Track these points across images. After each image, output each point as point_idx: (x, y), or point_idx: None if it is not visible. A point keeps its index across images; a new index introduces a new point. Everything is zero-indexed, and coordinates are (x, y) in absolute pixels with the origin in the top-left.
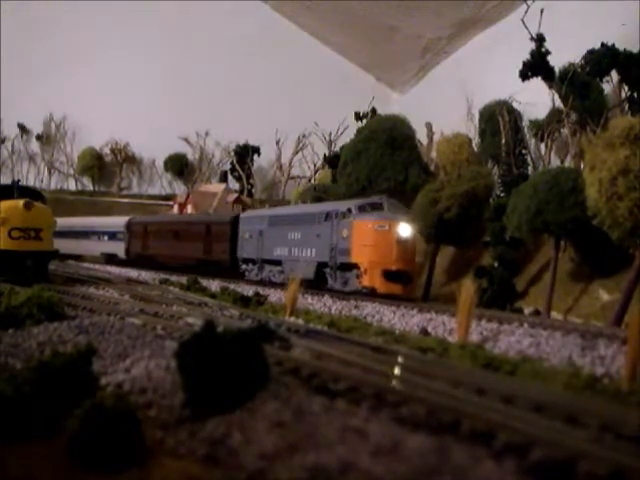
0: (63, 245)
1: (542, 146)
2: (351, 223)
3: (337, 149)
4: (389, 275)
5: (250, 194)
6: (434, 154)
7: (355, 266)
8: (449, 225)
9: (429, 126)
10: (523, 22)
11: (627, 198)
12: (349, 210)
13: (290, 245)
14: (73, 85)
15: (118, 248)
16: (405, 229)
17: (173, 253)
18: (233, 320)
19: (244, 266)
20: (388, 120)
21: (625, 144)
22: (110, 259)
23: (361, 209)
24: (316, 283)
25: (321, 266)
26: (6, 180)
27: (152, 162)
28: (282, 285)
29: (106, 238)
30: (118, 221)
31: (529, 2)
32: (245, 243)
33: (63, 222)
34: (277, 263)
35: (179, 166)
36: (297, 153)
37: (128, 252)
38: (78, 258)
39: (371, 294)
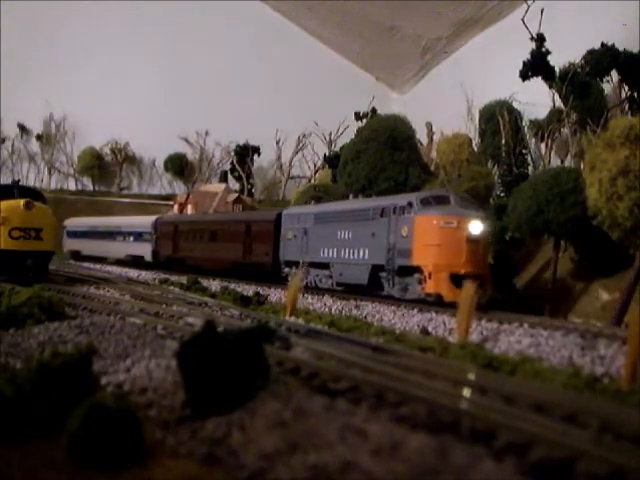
0: (86, 246)
1: (542, 146)
2: (412, 219)
3: (337, 149)
4: (458, 280)
5: (250, 194)
6: (434, 154)
7: (417, 270)
8: None
9: (429, 126)
10: (523, 22)
11: (627, 198)
12: (410, 204)
13: (339, 245)
14: (73, 85)
15: (144, 250)
16: (476, 226)
17: (208, 255)
18: (233, 320)
19: (287, 269)
20: (388, 120)
21: (625, 144)
22: (136, 262)
23: (424, 203)
24: (370, 289)
25: (376, 269)
26: (6, 180)
27: (152, 162)
28: (331, 291)
29: (131, 239)
30: (144, 220)
31: (529, 2)
32: (288, 244)
33: (85, 222)
34: (324, 266)
35: (179, 166)
36: (297, 153)
37: (156, 254)
38: (103, 261)
39: (437, 303)
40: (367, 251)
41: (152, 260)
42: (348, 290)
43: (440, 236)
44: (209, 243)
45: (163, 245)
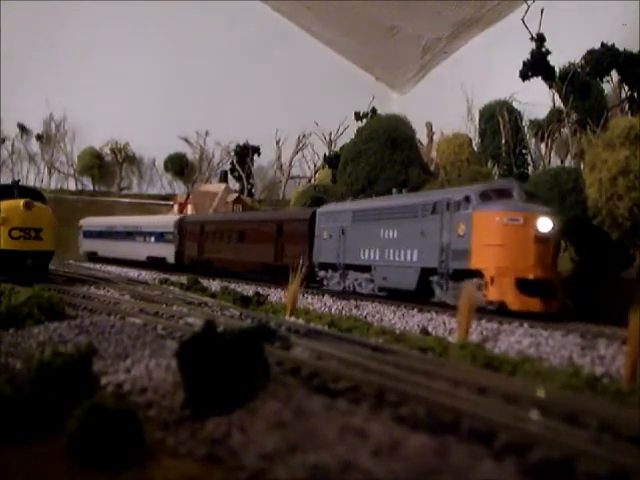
0: (103, 247)
1: (542, 146)
2: (471, 216)
3: (337, 149)
4: (525, 286)
5: (250, 194)
6: (434, 154)
7: (476, 273)
8: None
9: (429, 126)
10: (523, 22)
11: (627, 198)
12: (467, 199)
13: (383, 246)
14: (73, 85)
15: (166, 251)
16: (546, 223)
17: (236, 257)
18: (233, 320)
19: (322, 272)
20: (388, 120)
21: (625, 144)
22: (157, 264)
23: (484, 197)
24: (418, 295)
25: (426, 273)
26: (6, 180)
27: (152, 162)
28: (372, 297)
29: (152, 239)
30: (166, 219)
31: (529, 2)
32: (323, 244)
33: (102, 221)
34: (365, 269)
35: (179, 166)
36: (297, 153)
37: (180, 256)
38: (122, 263)
39: (499, 312)
40: (416, 252)
41: (175, 262)
42: (390, 296)
43: (504, 235)
44: (238, 244)
45: (188, 246)
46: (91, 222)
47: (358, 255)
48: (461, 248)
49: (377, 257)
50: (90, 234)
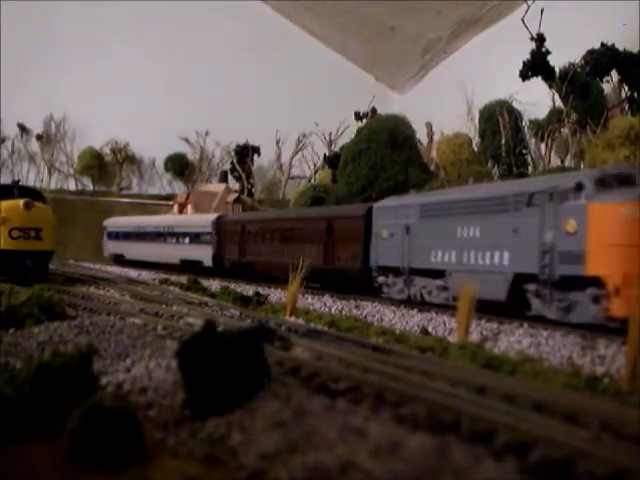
0: (130, 250)
1: (542, 146)
2: (585, 208)
3: (337, 149)
4: None
5: (250, 194)
6: (434, 154)
7: (592, 281)
8: None
9: (429, 126)
10: (523, 22)
11: None
12: (579, 187)
13: (460, 247)
14: (73, 85)
15: (203, 254)
16: None
17: (281, 260)
18: (233, 320)
19: (381, 278)
20: (388, 120)
21: (625, 144)
22: (192, 268)
23: (601, 184)
24: (510, 307)
25: (520, 280)
26: (6, 180)
27: (152, 162)
28: (446, 307)
29: (187, 241)
30: (203, 219)
31: (529, 2)
32: (383, 245)
33: (129, 221)
34: (436, 274)
35: (179, 166)
36: (297, 153)
37: (218, 258)
38: (152, 267)
39: (620, 330)
40: (506, 254)
41: (213, 266)
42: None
43: (634, 233)
44: (283, 245)
45: (228, 248)
46: (117, 222)
47: (428, 258)
48: (572, 250)
49: (453, 260)
50: (116, 235)
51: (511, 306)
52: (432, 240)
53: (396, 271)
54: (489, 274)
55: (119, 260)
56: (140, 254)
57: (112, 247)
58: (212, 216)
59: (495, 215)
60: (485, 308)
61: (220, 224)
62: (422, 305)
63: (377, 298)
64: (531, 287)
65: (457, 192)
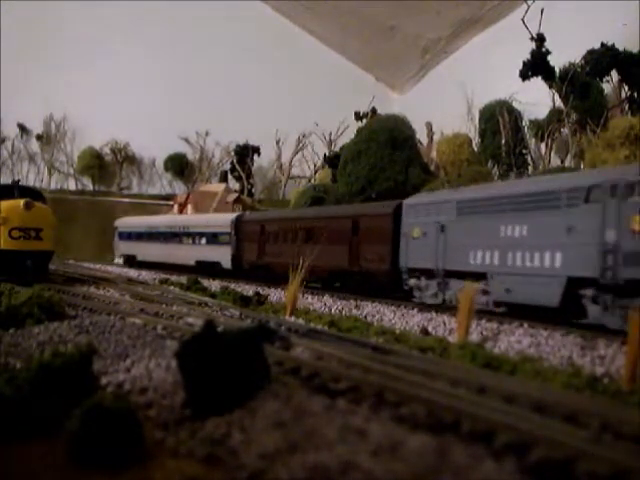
0: (143, 251)
1: (542, 146)
2: None
3: (337, 149)
4: None
5: (250, 194)
6: (434, 154)
7: None
8: None
9: (429, 126)
10: (523, 22)
11: None
12: None
13: (504, 247)
14: (73, 85)
15: (221, 255)
16: None
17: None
18: (233, 320)
19: (412, 281)
20: (388, 120)
21: (625, 144)
22: (209, 269)
23: None
24: (562, 313)
25: (575, 285)
26: (6, 180)
27: (152, 162)
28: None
29: (204, 241)
30: (221, 218)
31: (529, 2)
32: (414, 245)
33: (142, 221)
34: (476, 277)
35: (179, 166)
36: (297, 153)
37: (237, 260)
38: (166, 268)
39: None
40: (559, 256)
41: (232, 268)
42: (509, 312)
43: None
44: (304, 246)
45: (246, 249)
46: (128, 222)
47: (466, 259)
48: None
49: (495, 261)
50: (128, 236)
51: (564, 313)
52: (471, 239)
53: (429, 273)
54: (538, 277)
55: (131, 262)
56: (153, 255)
57: (124, 248)
58: (231, 215)
59: (545, 212)
60: (532, 314)
61: (239, 224)
62: (421, 305)
63: (377, 298)
64: (588, 292)
65: (499, 187)
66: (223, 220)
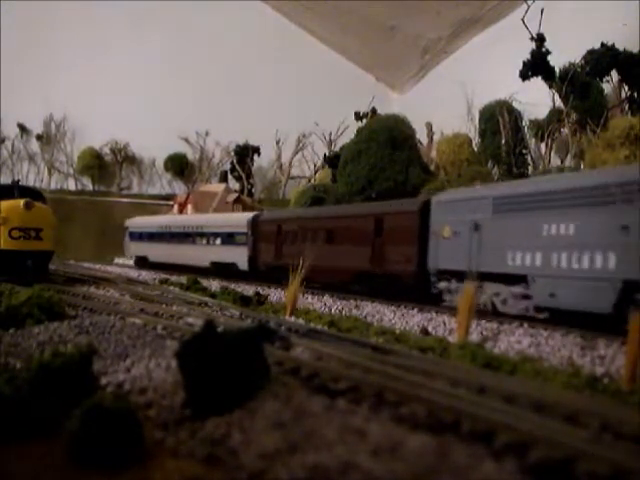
0: (154, 251)
1: (542, 146)
2: None
3: (337, 149)
4: None
5: (250, 194)
6: (434, 154)
7: None
8: None
9: (429, 126)
10: (523, 22)
11: None
12: None
13: (548, 247)
14: (73, 85)
15: (238, 256)
16: None
17: (321, 263)
18: (233, 320)
19: (442, 284)
20: (388, 120)
21: (625, 144)
22: (224, 271)
23: None
24: (615, 320)
25: (631, 289)
26: (6, 180)
27: (152, 162)
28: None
29: (219, 242)
30: (237, 218)
31: (529, 2)
32: (445, 245)
33: (153, 221)
34: (514, 280)
35: (179, 166)
36: (297, 153)
37: (254, 261)
38: (180, 270)
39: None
40: (612, 257)
41: (248, 269)
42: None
43: None
44: (324, 246)
45: (263, 250)
46: (139, 222)
47: (503, 260)
48: None
49: (538, 263)
50: (139, 236)
51: (617, 319)
52: (509, 239)
53: (461, 275)
54: (588, 281)
55: (142, 263)
56: (166, 256)
57: (134, 249)
58: (248, 214)
59: (596, 209)
60: (581, 322)
61: (256, 223)
62: (422, 305)
63: (377, 298)
64: None
65: (541, 182)
66: (239, 219)
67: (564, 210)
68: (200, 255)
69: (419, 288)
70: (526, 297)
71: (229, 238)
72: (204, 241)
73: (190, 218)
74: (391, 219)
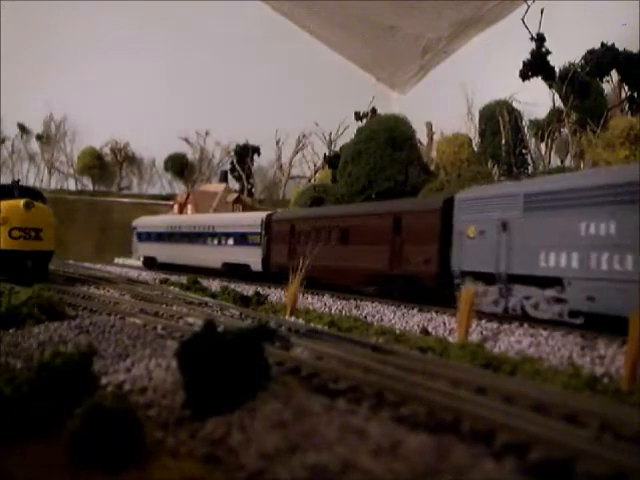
0: (163, 252)
1: (542, 146)
2: None
3: (337, 149)
4: None
5: (250, 194)
6: (434, 154)
7: None
8: None
9: (429, 126)
10: (523, 22)
11: None
12: None
13: (586, 248)
14: (73, 85)
15: (251, 257)
16: None
17: (337, 264)
18: (233, 320)
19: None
20: (388, 120)
21: (625, 144)
22: (237, 272)
23: None
24: None
25: None
26: (6, 180)
27: (152, 162)
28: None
29: (231, 242)
30: (250, 217)
31: (529, 2)
32: (470, 245)
33: (162, 221)
34: (547, 282)
35: (179, 166)
36: (297, 153)
37: (267, 262)
38: (192, 272)
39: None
40: None
41: (262, 270)
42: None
43: None
44: (339, 247)
45: (275, 250)
46: (148, 222)
47: (535, 261)
48: None
49: (575, 265)
50: (147, 236)
51: None
52: (542, 239)
53: (488, 278)
54: (632, 284)
55: (151, 264)
56: (175, 257)
57: (142, 250)
58: (262, 214)
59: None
60: (619, 325)
61: (269, 223)
62: (422, 305)
63: (376, 298)
64: None
65: (577, 178)
66: (253, 219)
67: (603, 208)
68: (211, 256)
69: (440, 290)
70: (560, 301)
71: (242, 238)
72: (215, 241)
73: (201, 218)
74: (411, 217)
